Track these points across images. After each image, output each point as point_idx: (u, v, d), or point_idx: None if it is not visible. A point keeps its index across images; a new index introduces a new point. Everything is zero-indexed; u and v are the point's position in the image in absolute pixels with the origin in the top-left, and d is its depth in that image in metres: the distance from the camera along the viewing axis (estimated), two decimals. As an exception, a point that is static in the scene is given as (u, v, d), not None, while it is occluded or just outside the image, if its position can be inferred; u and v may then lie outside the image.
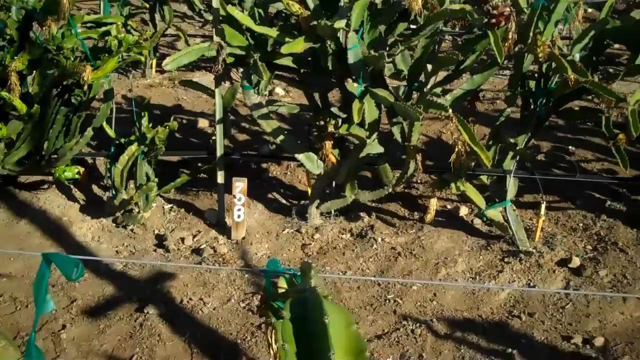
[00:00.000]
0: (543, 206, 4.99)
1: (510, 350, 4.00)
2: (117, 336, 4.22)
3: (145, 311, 4.37)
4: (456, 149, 4.38)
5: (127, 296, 4.58)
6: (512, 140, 4.87)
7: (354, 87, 4.63)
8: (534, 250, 4.89)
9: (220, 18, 4.86)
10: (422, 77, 4.76)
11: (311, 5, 4.63)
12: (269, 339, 1.34)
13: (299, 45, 4.59)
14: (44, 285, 1.25)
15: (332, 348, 1.03)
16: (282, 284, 1.31)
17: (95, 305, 4.50)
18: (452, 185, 4.87)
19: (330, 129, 4.93)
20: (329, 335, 1.03)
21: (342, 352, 1.05)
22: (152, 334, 4.21)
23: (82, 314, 4.40)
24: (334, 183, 5.42)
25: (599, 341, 4.04)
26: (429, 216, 5.26)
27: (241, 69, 5.20)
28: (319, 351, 1.06)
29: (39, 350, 1.27)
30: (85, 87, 5.03)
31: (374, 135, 4.88)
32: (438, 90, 4.75)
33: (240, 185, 5.12)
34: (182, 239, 5.23)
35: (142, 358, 4.05)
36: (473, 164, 4.89)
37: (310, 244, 5.18)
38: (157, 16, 8.50)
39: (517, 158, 4.97)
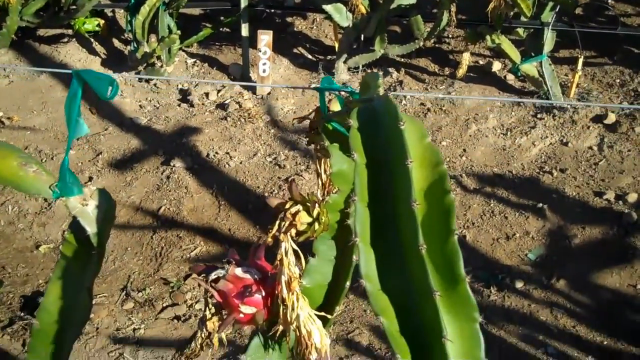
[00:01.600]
0: (580, 60, 4.79)
1: (540, 204, 3.95)
2: (145, 188, 4.21)
3: (172, 164, 4.34)
4: (494, -2, 4.15)
5: (152, 150, 4.54)
6: (552, -11, 4.60)
7: None
8: (568, 106, 4.74)
9: None
10: None
11: None
12: (319, 167, 1.25)
13: None
14: (76, 106, 1.15)
15: (409, 156, 0.93)
16: (335, 107, 1.21)
17: (121, 158, 4.47)
18: (487, 37, 4.67)
19: (360, -23, 4.68)
20: (405, 143, 0.94)
21: (417, 163, 0.96)
22: (179, 187, 4.19)
23: (108, 166, 4.38)
24: (362, 37, 5.22)
25: (632, 197, 3.97)
26: (461, 71, 5.08)
27: None
28: (392, 161, 0.97)
29: (73, 174, 1.19)
30: None
31: (406, -16, 4.63)
32: None
33: (265, 38, 4.94)
34: (207, 94, 5.12)
35: (170, 209, 4.05)
36: (511, 14, 4.65)
37: (337, 99, 5.05)
38: None
39: (557, 9, 4.72)
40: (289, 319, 1.20)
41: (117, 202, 4.06)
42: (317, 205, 1.17)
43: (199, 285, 1.28)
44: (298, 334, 1.22)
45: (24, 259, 3.74)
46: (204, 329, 1.30)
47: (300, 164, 4.36)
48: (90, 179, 4.24)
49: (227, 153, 4.46)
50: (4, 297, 3.47)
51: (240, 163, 4.39)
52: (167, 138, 4.64)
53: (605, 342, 3.19)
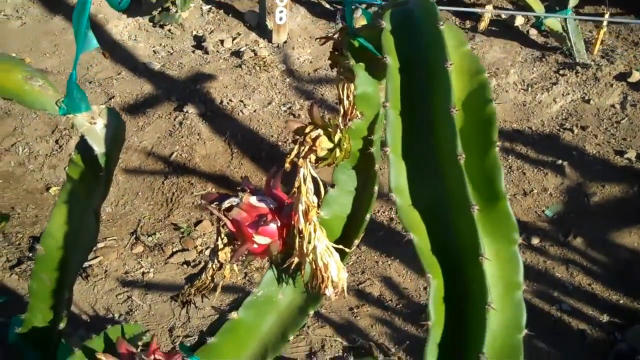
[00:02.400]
0: (606, 16, 4.65)
1: (560, 161, 3.86)
2: (157, 134, 4.14)
3: (185, 110, 4.27)
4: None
5: (165, 95, 4.46)
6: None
7: None
8: (591, 63, 4.61)
9: None
10: None
11: None
12: (341, 93, 1.17)
13: None
14: (84, 17, 1.08)
15: (449, 58, 0.86)
16: (362, 23, 1.13)
17: (133, 103, 4.40)
18: (511, -11, 4.53)
19: None
20: (444, 44, 0.86)
21: (456, 72, 0.88)
22: (192, 133, 4.13)
23: (120, 110, 4.31)
24: (381, -14, 5.08)
25: (654, 157, 3.88)
26: (482, 24, 4.95)
27: None
28: (429, 65, 0.89)
29: (81, 90, 1.13)
30: None
31: None
32: None
33: (282, -16, 4.82)
34: (222, 41, 5.02)
35: (182, 155, 3.99)
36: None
37: (355, 50, 4.95)
38: None
39: (584, -38, 4.57)
40: (305, 250, 1.14)
41: (129, 147, 4.01)
42: (338, 130, 1.10)
43: (211, 213, 1.21)
44: (314, 266, 1.15)
45: (34, 200, 3.70)
46: (215, 260, 1.24)
47: (315, 113, 4.27)
48: (102, 122, 4.17)
49: (241, 101, 4.38)
50: (13, 237, 3.44)
51: (254, 111, 4.31)
52: (180, 84, 4.56)
53: (621, 301, 3.13)
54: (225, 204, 1.20)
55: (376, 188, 1.15)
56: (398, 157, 0.92)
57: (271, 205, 1.20)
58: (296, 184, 1.12)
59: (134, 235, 3.51)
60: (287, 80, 4.62)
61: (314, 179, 1.12)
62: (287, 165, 1.11)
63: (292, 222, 1.16)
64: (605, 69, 4.56)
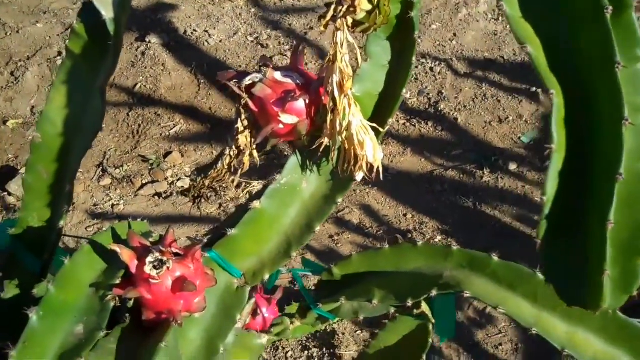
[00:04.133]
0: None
1: (534, 89, 3.81)
2: (118, 65, 3.95)
3: (147, 40, 4.08)
4: None
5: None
6: None
7: None
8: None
9: None
10: None
11: None
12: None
13: None
14: None
15: None
16: None
17: (91, 33, 4.18)
18: None
19: None
20: None
21: None
22: (156, 64, 3.95)
23: (78, 41, 4.10)
24: None
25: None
26: (450, -47, 4.83)
27: None
28: None
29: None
30: None
31: None
32: None
33: None
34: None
35: (147, 87, 3.82)
36: None
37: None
38: None
39: None
40: (337, 128, 1.04)
41: (90, 78, 3.81)
42: (378, -11, 0.99)
43: (232, 93, 1.09)
44: (347, 146, 1.06)
45: (-9, 133, 3.52)
46: (234, 146, 1.13)
47: (284, 43, 4.14)
48: (60, 53, 3.96)
49: (206, 31, 4.21)
50: (-28, 170, 3.26)
51: (220, 41, 4.14)
52: (140, 14, 4.35)
53: (601, 223, 3.13)
54: (247, 81, 1.08)
55: (414, 59, 1.05)
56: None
57: (298, 81, 1.09)
58: (331, 51, 1.01)
59: (101, 168, 3.36)
60: (252, 10, 4.45)
61: (350, 46, 1.01)
62: (322, 28, 1.00)
63: (322, 98, 1.06)
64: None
